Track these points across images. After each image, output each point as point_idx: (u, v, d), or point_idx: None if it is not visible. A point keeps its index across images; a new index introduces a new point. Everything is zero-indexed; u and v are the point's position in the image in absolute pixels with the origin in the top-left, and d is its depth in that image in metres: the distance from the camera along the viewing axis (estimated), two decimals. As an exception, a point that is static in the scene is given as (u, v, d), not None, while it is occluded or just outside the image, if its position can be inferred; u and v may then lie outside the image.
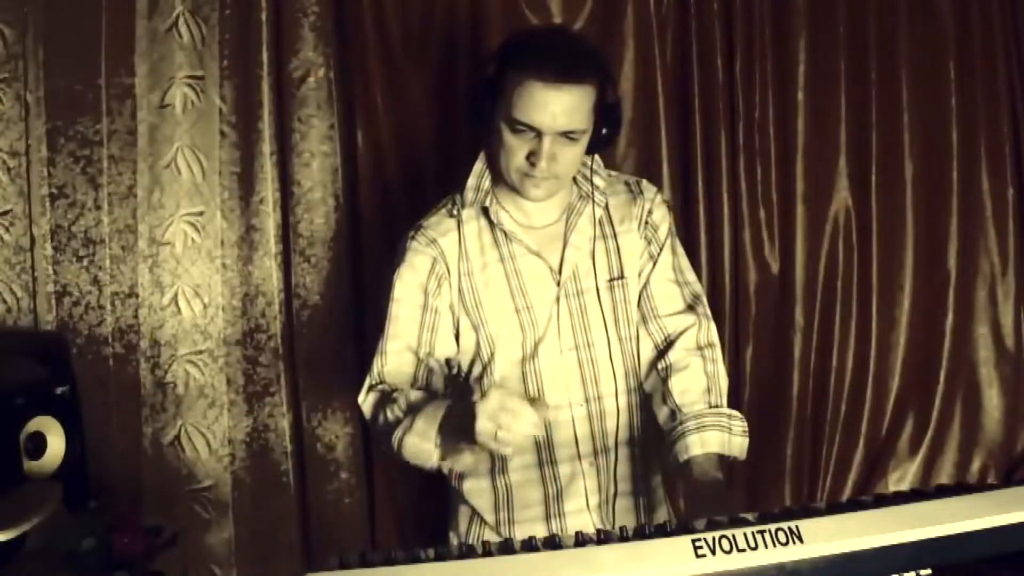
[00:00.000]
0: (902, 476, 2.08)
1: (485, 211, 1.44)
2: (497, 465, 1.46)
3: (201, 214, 1.87)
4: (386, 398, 1.37)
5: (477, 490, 1.48)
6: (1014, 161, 2.07)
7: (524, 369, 1.42)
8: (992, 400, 2.09)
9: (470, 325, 1.43)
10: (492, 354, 1.42)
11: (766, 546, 0.82)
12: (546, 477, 1.44)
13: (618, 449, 1.45)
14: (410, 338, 1.43)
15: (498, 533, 1.46)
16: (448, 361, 1.48)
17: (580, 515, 1.43)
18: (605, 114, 1.37)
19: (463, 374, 1.47)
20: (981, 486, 0.97)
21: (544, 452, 1.43)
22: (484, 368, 1.43)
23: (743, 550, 0.81)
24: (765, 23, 1.97)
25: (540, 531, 1.40)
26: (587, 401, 1.43)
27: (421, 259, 1.42)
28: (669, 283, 1.47)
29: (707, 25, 1.94)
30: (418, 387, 1.41)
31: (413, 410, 1.30)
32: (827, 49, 1.98)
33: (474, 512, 1.48)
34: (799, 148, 1.99)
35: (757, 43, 1.96)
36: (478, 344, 1.43)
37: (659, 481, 1.52)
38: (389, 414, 1.34)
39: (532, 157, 1.33)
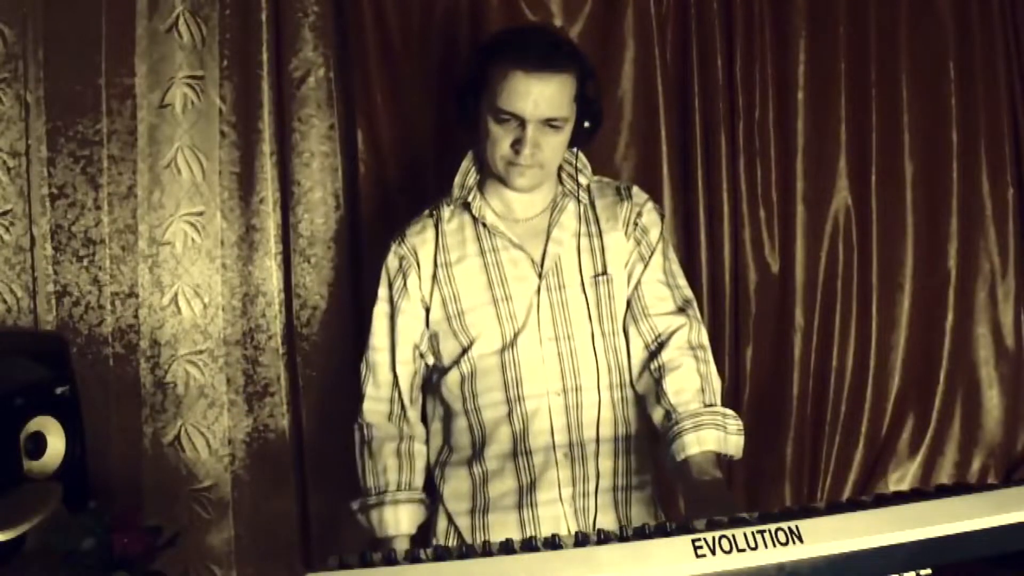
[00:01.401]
0: (902, 476, 2.07)
1: (467, 206, 1.50)
2: (475, 453, 1.48)
3: (201, 214, 1.87)
4: (371, 439, 1.52)
5: (456, 476, 1.50)
6: (1014, 161, 2.07)
7: (503, 359, 1.45)
8: (992, 400, 2.09)
9: (447, 315, 1.48)
10: (470, 343, 1.46)
11: (766, 546, 0.82)
12: (520, 467, 1.45)
13: (599, 444, 1.46)
14: (387, 340, 1.52)
15: (471, 525, 1.48)
16: (432, 345, 1.52)
17: (552, 506, 1.44)
18: (586, 107, 1.44)
19: (443, 363, 1.51)
20: (981, 486, 0.97)
21: (519, 442, 1.45)
22: (462, 355, 1.47)
23: (743, 550, 0.81)
24: (765, 23, 1.97)
25: (512, 521, 1.45)
26: (564, 392, 1.44)
27: (392, 261, 1.52)
28: (660, 284, 1.49)
29: (707, 25, 1.94)
30: (396, 390, 1.53)
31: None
32: (827, 49, 1.98)
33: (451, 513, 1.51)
34: (799, 148, 1.99)
35: (757, 43, 1.96)
36: (455, 333, 1.47)
37: (649, 479, 1.53)
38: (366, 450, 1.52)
39: (517, 145, 1.39)
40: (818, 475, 2.02)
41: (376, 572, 0.83)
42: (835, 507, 0.90)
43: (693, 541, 0.82)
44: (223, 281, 1.89)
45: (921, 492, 0.96)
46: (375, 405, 1.53)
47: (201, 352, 1.89)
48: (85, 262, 1.85)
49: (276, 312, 1.89)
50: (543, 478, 1.45)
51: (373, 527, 1.47)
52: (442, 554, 0.86)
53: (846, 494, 2.04)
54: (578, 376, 1.45)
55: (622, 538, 0.86)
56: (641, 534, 0.86)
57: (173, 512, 1.87)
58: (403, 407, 1.53)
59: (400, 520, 1.46)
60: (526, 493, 1.45)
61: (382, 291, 1.53)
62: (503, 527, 1.45)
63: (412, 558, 0.86)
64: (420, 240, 1.51)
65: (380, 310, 1.53)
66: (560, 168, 1.51)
